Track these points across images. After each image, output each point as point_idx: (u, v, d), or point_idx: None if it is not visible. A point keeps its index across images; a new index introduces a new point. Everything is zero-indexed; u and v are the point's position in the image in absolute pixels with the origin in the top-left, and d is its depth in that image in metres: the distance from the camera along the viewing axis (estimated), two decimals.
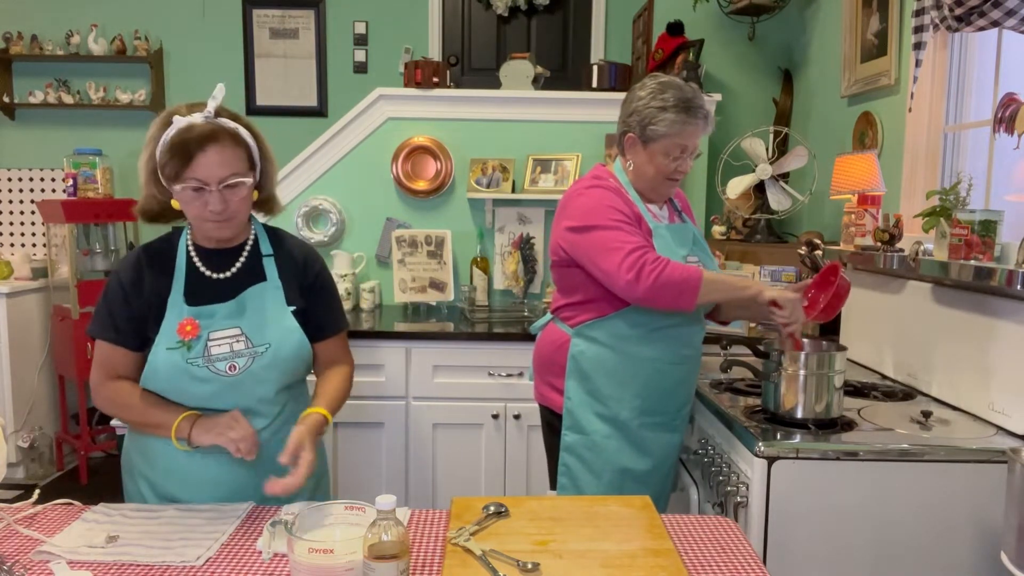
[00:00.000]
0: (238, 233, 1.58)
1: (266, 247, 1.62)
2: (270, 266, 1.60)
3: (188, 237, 1.58)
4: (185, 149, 1.42)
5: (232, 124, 1.48)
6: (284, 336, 1.57)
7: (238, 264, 1.59)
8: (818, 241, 2.82)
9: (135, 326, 1.53)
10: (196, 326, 1.50)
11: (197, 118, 1.45)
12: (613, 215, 1.85)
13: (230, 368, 1.52)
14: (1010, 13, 1.84)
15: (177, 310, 1.51)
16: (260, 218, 1.67)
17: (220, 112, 1.49)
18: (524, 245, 3.31)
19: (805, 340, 1.91)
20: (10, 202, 4.45)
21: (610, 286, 1.83)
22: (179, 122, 1.44)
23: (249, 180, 1.50)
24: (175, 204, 1.50)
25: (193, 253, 1.57)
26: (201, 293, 1.54)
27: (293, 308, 1.59)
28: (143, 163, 1.51)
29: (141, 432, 1.57)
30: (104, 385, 1.55)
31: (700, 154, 1.96)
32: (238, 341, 1.53)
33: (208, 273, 1.56)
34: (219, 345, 1.52)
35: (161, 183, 1.49)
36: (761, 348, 1.93)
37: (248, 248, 1.61)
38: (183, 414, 1.48)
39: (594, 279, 1.89)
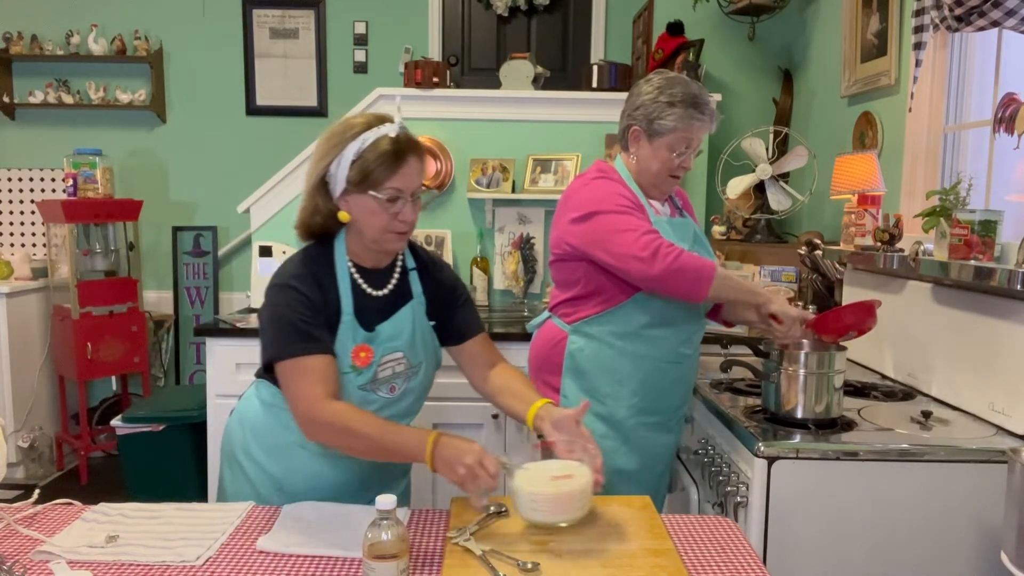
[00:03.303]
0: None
1: (410, 261, 1.62)
2: (415, 281, 1.60)
3: (345, 253, 1.54)
4: (398, 156, 1.42)
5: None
6: (432, 353, 1.61)
7: (393, 281, 1.57)
8: (818, 241, 2.82)
9: (328, 333, 1.47)
10: (370, 353, 1.49)
11: (399, 128, 1.46)
12: (621, 201, 1.84)
13: (391, 390, 1.54)
14: (1010, 13, 1.84)
15: (351, 332, 1.49)
16: None
17: None
18: (524, 245, 3.31)
19: (805, 340, 1.92)
20: (10, 202, 4.45)
21: (622, 268, 1.80)
22: (386, 130, 1.44)
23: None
24: (343, 217, 1.47)
25: (354, 270, 1.54)
26: (367, 314, 1.51)
27: (433, 323, 1.61)
28: (313, 174, 1.48)
29: (365, 458, 1.46)
30: (326, 406, 1.40)
31: (701, 152, 1.97)
32: (399, 364, 1.54)
33: (370, 291, 1.54)
34: (385, 369, 1.52)
35: (327, 195, 1.47)
36: (761, 348, 1.93)
37: (400, 264, 1.60)
38: (428, 441, 1.34)
39: (597, 271, 1.88)
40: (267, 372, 1.51)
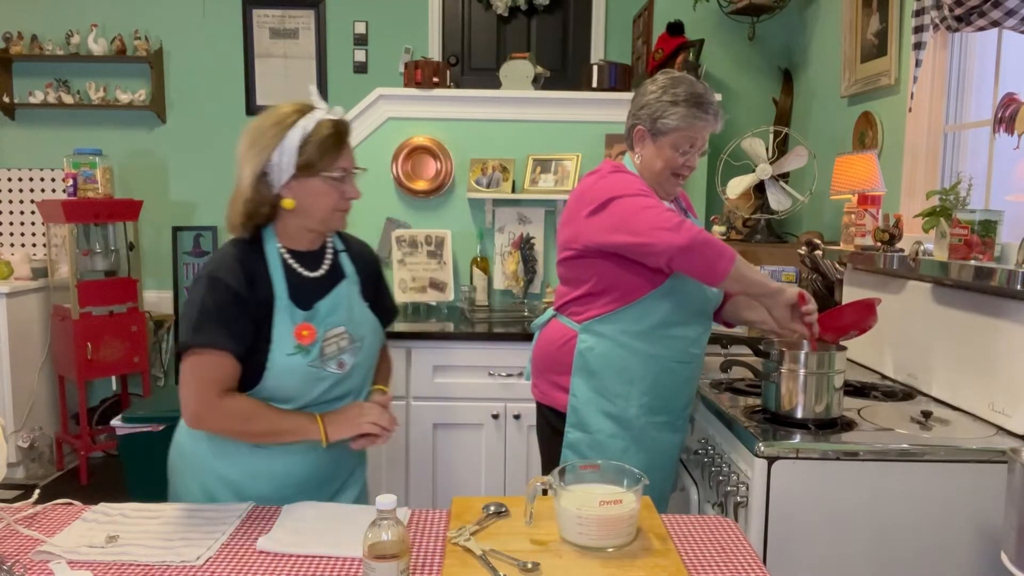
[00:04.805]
0: None
1: (338, 244, 1.69)
2: (346, 262, 1.67)
3: (276, 240, 1.58)
4: (340, 138, 1.52)
5: None
6: (373, 328, 1.67)
7: (326, 263, 1.64)
8: (818, 241, 2.82)
9: (250, 333, 1.51)
10: (312, 331, 1.53)
11: (335, 111, 1.55)
12: (640, 187, 1.86)
13: (339, 365, 1.58)
14: (1010, 13, 1.84)
15: (288, 314, 1.53)
16: None
17: None
18: (524, 245, 3.31)
19: (805, 340, 1.92)
20: (10, 202, 4.45)
21: (648, 243, 1.77)
22: (321, 114, 1.51)
23: None
24: (288, 204, 1.52)
25: (287, 255, 1.58)
26: (304, 295, 1.56)
27: (368, 303, 1.68)
28: (251, 169, 1.51)
29: (258, 442, 1.56)
30: (220, 402, 1.50)
31: (707, 152, 1.97)
32: (343, 339, 1.59)
33: (305, 272, 1.59)
34: (330, 345, 1.57)
35: (268, 186, 1.52)
36: (761, 348, 1.93)
37: (329, 247, 1.66)
38: (316, 416, 1.54)
39: (611, 267, 1.86)
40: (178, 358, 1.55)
